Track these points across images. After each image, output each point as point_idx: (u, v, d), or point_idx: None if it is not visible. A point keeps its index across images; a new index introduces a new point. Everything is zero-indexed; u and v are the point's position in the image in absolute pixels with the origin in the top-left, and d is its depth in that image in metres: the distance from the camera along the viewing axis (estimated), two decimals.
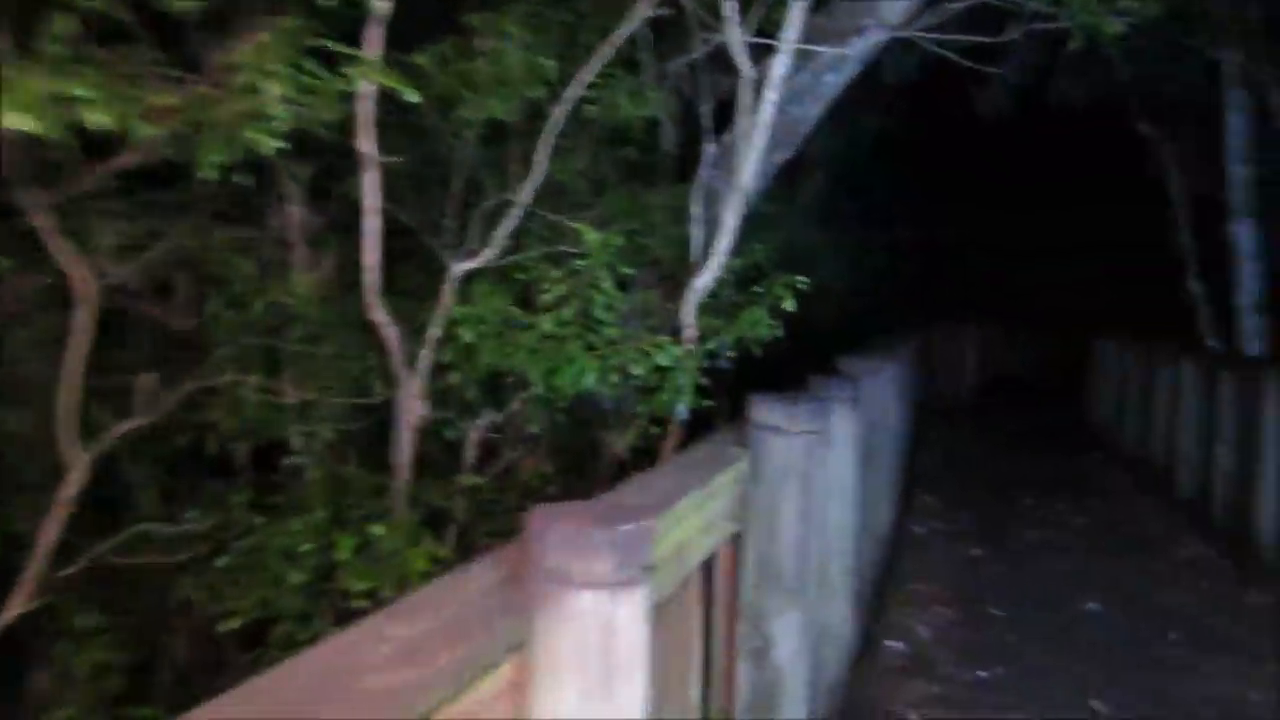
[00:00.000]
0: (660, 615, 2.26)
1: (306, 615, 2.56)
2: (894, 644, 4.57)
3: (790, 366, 3.99)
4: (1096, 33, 4.04)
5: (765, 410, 2.80)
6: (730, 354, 4.26)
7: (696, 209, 4.10)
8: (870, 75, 7.89)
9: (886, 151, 10.82)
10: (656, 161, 5.44)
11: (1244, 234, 8.87)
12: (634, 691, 1.42)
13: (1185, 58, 8.71)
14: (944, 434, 10.63)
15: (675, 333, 3.77)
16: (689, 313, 3.74)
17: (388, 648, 1.25)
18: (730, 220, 3.79)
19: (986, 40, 4.62)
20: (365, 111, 2.83)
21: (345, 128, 2.92)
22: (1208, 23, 8.08)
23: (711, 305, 3.95)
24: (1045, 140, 12.66)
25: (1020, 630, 4.81)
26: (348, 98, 2.81)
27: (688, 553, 2.33)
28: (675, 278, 4.19)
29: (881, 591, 5.19)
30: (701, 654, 2.58)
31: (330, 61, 2.70)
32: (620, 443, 3.66)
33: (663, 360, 3.24)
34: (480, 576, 1.55)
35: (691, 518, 2.31)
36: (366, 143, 2.87)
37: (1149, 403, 9.22)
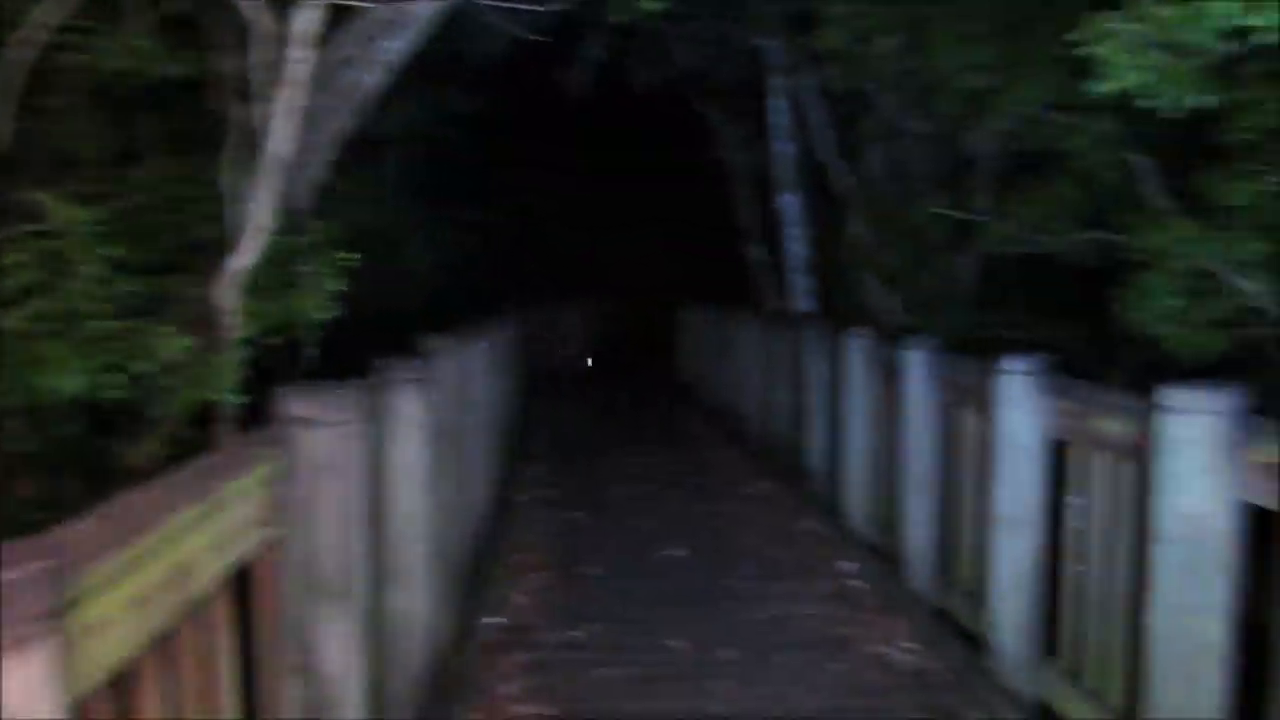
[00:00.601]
0: (160, 651, 1.94)
1: None
2: (491, 619, 4.54)
3: (371, 351, 3.75)
4: (631, 9, 4.19)
5: (296, 402, 2.54)
6: (293, 341, 3.89)
7: (231, 182, 3.66)
8: (456, 49, 7.75)
9: (479, 128, 10.78)
10: (204, 129, 4.83)
11: (789, 205, 10.09)
12: None
13: (736, 45, 9.64)
14: (550, 408, 11.01)
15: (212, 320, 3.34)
16: (224, 298, 3.32)
17: None
18: (267, 195, 3.42)
19: (539, 7, 4.64)
20: None
21: None
22: (749, 13, 8.99)
23: (256, 289, 3.55)
24: (630, 118, 13.45)
25: (612, 585, 5.04)
26: None
27: (194, 575, 2.01)
28: (214, 260, 3.72)
29: (481, 568, 5.15)
30: (235, 680, 2.28)
31: None
32: (141, 452, 3.16)
33: (172, 352, 2.82)
34: None
35: (191, 535, 2.00)
36: None
37: (724, 361, 10.23)
